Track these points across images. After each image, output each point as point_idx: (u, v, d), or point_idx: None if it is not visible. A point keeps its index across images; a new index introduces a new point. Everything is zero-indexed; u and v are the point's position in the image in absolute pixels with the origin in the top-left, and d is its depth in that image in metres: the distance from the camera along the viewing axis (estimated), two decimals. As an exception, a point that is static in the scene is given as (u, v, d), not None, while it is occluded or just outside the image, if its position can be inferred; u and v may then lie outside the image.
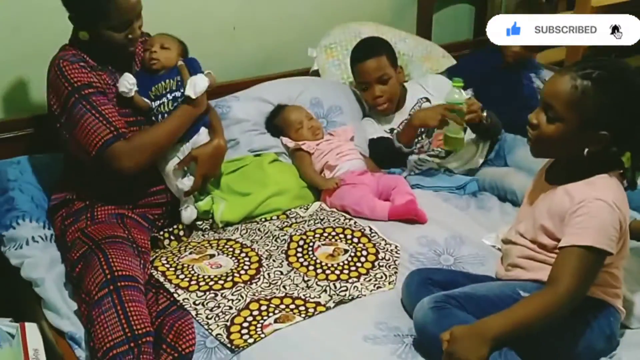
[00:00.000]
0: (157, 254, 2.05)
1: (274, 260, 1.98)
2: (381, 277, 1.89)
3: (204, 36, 2.76)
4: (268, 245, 2.06)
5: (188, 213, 2.14)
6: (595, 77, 1.50)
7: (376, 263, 1.96)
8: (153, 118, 2.08)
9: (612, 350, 1.61)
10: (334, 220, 2.18)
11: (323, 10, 3.13)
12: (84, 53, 1.99)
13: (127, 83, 2.02)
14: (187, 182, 2.11)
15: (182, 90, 2.07)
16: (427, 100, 2.64)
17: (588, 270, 1.49)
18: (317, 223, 2.17)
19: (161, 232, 2.13)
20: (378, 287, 1.85)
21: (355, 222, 2.17)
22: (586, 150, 1.54)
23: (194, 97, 2.03)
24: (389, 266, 1.94)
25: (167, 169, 2.10)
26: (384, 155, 2.53)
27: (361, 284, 1.86)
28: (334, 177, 2.35)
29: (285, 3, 3.01)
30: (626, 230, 1.58)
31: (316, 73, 2.93)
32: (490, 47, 2.66)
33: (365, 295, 1.82)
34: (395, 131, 2.54)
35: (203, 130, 2.14)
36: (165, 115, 2.07)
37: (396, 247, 2.03)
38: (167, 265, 1.96)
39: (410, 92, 2.67)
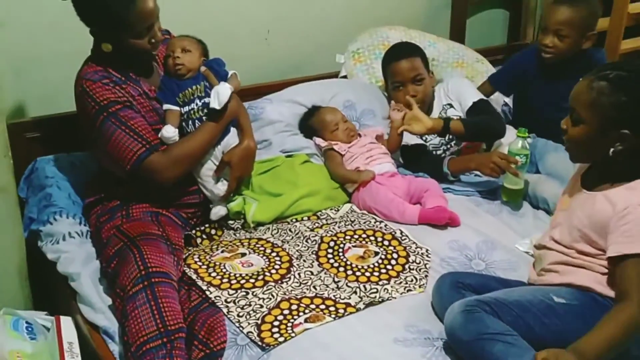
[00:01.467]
0: (190, 252, 2.08)
1: (304, 261, 2.00)
2: (412, 280, 1.89)
3: (238, 39, 2.80)
4: (299, 245, 2.07)
5: (217, 209, 2.15)
6: (611, 77, 1.55)
7: (407, 266, 1.96)
8: (184, 124, 2.09)
9: None
10: (364, 223, 2.19)
11: (356, 14, 3.15)
12: (108, 66, 2.00)
13: (168, 134, 2.01)
14: (221, 187, 2.13)
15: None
16: (451, 106, 2.61)
17: None
18: (348, 225, 2.18)
19: (194, 231, 2.16)
20: (408, 290, 1.85)
21: (386, 225, 2.17)
22: (611, 150, 1.56)
23: (218, 107, 2.03)
24: (420, 269, 1.94)
25: (201, 173, 2.12)
26: (422, 167, 2.49)
27: (391, 287, 1.86)
28: (368, 170, 2.35)
29: (318, 7, 3.04)
30: None
31: (344, 79, 2.95)
32: (530, 48, 2.63)
33: (395, 297, 1.82)
34: (448, 157, 2.45)
35: (233, 131, 2.16)
36: (197, 121, 2.08)
37: (427, 250, 2.03)
38: (200, 263, 1.98)
39: (437, 98, 2.66)
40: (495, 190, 2.38)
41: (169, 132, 2.02)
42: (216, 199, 2.15)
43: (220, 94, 2.04)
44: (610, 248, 1.53)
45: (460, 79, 2.76)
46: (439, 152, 2.56)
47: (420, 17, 3.38)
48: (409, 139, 2.55)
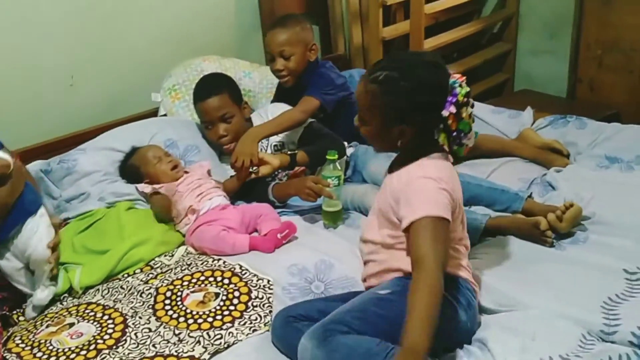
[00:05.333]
0: (9, 334, 1.86)
1: (140, 318, 1.85)
2: (256, 319, 1.81)
3: (38, 88, 2.59)
4: (133, 302, 1.93)
5: (45, 294, 1.94)
6: (382, 80, 1.61)
7: (249, 303, 1.88)
8: None
9: (474, 319, 1.69)
10: (202, 264, 2.08)
11: (165, 46, 3.05)
12: None
13: None
14: (42, 295, 1.93)
15: None
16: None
17: (436, 238, 1.51)
18: (185, 269, 2.06)
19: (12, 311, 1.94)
20: (254, 330, 1.77)
21: (224, 262, 2.08)
22: (399, 142, 1.64)
23: None
24: (263, 305, 1.87)
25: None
26: (253, 196, 2.43)
27: (236, 329, 1.77)
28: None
29: (126, 44, 2.89)
30: (460, 207, 1.67)
31: (165, 117, 2.84)
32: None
33: (241, 340, 1.73)
34: (272, 185, 2.41)
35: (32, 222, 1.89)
36: None
37: (269, 281, 1.96)
38: (23, 345, 1.77)
39: (253, 118, 2.62)
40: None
41: None
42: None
43: None
44: (402, 222, 1.58)
45: (276, 106, 2.67)
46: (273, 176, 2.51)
47: (232, 43, 3.34)
48: None
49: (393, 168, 1.73)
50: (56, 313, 1.93)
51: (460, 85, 1.59)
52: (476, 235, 2.08)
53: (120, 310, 1.89)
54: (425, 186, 1.58)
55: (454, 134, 1.60)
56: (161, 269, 2.10)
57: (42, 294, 1.93)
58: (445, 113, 1.57)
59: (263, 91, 3.01)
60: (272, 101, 2.84)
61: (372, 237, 1.74)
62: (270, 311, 1.84)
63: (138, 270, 2.10)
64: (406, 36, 3.43)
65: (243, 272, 2.01)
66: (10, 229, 1.86)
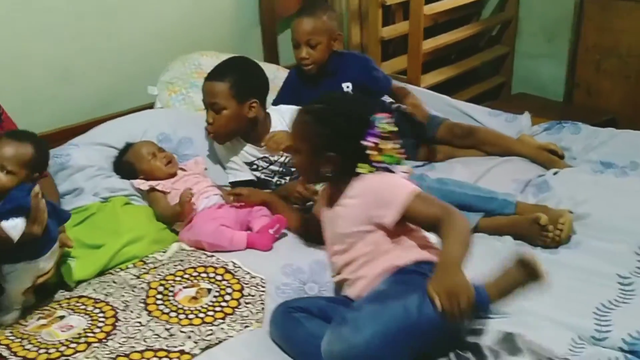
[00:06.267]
0: (-1, 327, 1.85)
1: (131, 312, 1.85)
2: (247, 316, 1.81)
3: (33, 80, 2.58)
4: (124, 296, 1.92)
5: (14, 316, 1.86)
6: (314, 111, 1.78)
7: (242, 300, 1.87)
8: None
9: None
10: (194, 260, 2.08)
11: (162, 40, 3.03)
12: None
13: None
14: (8, 317, 1.84)
15: None
16: None
17: (429, 201, 1.67)
18: (177, 265, 2.06)
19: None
20: (246, 327, 1.77)
21: (217, 259, 2.07)
22: (328, 170, 1.76)
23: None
24: (255, 302, 1.86)
25: None
26: None
27: (228, 325, 1.77)
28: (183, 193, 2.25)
29: (123, 37, 2.88)
30: None
31: (161, 111, 2.82)
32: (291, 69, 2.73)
33: (232, 336, 1.73)
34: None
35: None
36: None
37: (261, 279, 1.96)
38: (12, 337, 1.76)
39: (274, 122, 2.46)
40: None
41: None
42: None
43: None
44: (388, 219, 1.66)
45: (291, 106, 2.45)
46: (274, 181, 2.50)
47: (230, 39, 3.33)
48: (239, 176, 2.47)
49: (332, 202, 1.81)
50: (47, 306, 1.92)
51: (384, 122, 1.72)
52: None
53: (111, 304, 1.88)
54: (386, 181, 1.71)
55: (376, 164, 1.72)
56: (154, 264, 2.09)
57: (12, 315, 1.86)
58: (367, 143, 1.70)
59: None
60: (284, 90, 2.77)
61: (350, 258, 1.75)
62: (263, 308, 1.83)
63: (131, 265, 2.09)
64: (405, 36, 3.43)
65: (236, 269, 2.01)
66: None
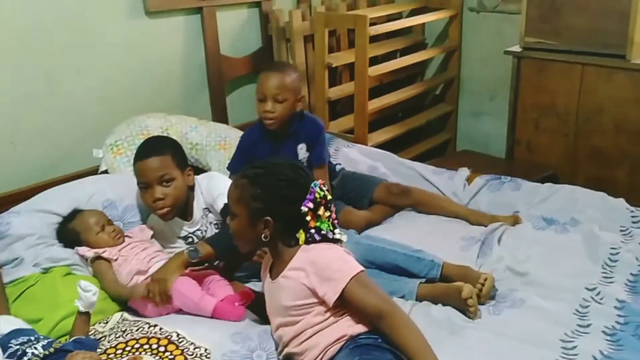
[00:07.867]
0: None
1: (70, 390, 1.79)
2: (190, 389, 1.77)
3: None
4: (63, 372, 1.86)
5: None
6: (250, 175, 1.81)
7: (185, 372, 1.84)
8: None
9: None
10: (137, 331, 2.03)
11: (111, 105, 3.05)
12: None
13: None
14: None
15: None
16: (209, 210, 2.42)
17: (370, 287, 1.70)
18: (119, 337, 2.00)
19: None
20: (188, 400, 1.73)
21: (160, 329, 2.03)
22: (262, 235, 1.78)
23: None
24: (198, 374, 1.83)
25: None
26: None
27: (170, 400, 1.73)
28: (143, 283, 2.20)
29: (70, 101, 2.88)
30: None
31: (105, 173, 2.80)
32: (251, 125, 2.75)
33: (175, 410, 1.69)
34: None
35: None
36: None
37: (206, 350, 1.92)
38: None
39: (196, 199, 2.42)
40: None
41: None
42: None
43: None
44: (328, 297, 1.68)
45: (211, 177, 2.49)
46: None
47: (179, 101, 3.35)
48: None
49: (272, 273, 1.84)
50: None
51: (320, 188, 1.77)
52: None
53: (49, 381, 1.82)
54: (326, 255, 1.73)
55: (312, 230, 1.75)
56: (94, 336, 2.04)
57: None
58: (304, 208, 1.73)
59: (211, 143, 2.99)
60: (241, 147, 2.73)
61: (299, 329, 1.75)
62: (206, 381, 1.80)
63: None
64: (351, 96, 3.51)
65: (180, 340, 1.97)
66: None
